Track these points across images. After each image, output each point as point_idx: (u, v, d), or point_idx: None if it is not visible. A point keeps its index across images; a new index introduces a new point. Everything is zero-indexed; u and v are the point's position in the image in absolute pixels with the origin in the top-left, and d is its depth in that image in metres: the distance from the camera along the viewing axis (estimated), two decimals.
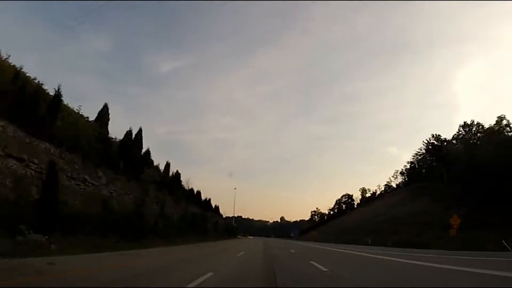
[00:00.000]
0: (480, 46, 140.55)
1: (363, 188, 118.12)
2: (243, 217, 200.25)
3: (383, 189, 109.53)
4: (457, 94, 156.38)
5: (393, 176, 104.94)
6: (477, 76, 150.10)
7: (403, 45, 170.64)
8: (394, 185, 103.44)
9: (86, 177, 21.95)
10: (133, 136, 34.43)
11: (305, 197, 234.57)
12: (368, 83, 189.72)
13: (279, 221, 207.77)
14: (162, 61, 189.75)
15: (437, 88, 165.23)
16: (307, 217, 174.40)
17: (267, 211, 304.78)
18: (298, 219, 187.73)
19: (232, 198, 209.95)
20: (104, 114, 30.68)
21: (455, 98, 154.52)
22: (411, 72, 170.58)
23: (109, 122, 31.21)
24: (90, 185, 22.10)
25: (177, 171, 49.21)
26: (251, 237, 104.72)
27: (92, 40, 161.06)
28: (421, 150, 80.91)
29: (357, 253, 19.88)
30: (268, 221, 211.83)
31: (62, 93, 22.64)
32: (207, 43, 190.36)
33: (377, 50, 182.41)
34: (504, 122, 46.66)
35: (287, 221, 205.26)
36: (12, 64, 23.26)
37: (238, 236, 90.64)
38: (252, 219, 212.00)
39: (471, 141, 52.09)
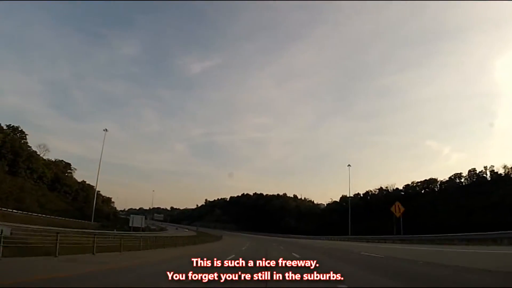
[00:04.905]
0: None
1: None
2: (251, 193, 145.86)
3: None
4: (498, 82, 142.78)
5: None
6: None
7: (440, 32, 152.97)
8: None
9: None
10: None
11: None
12: (404, 75, 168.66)
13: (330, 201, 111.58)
14: (192, 63, 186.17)
15: (476, 77, 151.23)
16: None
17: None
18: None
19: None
20: None
21: (495, 87, 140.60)
22: (449, 61, 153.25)
23: None
24: None
25: None
26: None
27: (122, 46, 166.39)
28: None
29: None
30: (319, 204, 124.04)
31: None
32: (237, 42, 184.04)
33: (412, 39, 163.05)
34: None
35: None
36: None
37: None
38: (267, 194, 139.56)
39: None
